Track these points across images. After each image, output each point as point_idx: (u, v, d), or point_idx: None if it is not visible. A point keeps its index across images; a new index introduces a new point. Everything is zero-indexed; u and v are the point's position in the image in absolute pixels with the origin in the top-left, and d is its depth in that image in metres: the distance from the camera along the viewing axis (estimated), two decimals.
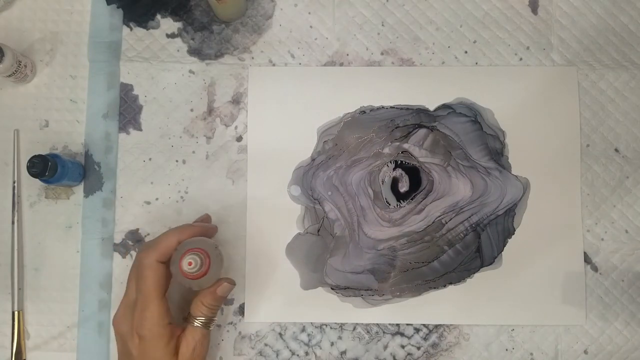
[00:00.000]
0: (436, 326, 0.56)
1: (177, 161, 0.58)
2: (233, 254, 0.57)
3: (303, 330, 0.56)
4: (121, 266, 0.57)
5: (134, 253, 0.57)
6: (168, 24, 0.59)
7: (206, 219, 0.55)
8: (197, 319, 0.49)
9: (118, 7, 0.59)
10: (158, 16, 0.59)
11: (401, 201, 0.57)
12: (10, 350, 0.55)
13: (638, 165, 0.58)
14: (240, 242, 0.57)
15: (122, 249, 0.57)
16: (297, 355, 0.56)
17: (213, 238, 0.53)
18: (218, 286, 0.49)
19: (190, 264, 0.45)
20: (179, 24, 0.59)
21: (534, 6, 0.59)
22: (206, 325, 0.49)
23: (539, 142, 0.58)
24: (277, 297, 0.56)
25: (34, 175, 0.51)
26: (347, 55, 0.59)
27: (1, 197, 0.57)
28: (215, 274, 0.48)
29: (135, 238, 0.57)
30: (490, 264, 0.57)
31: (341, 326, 0.56)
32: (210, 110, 0.58)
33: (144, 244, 0.48)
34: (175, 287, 0.51)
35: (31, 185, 0.57)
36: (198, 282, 0.47)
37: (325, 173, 0.57)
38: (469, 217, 0.57)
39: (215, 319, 0.50)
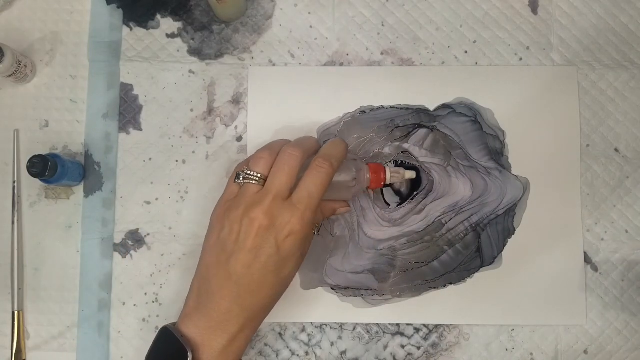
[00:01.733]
0: (436, 326, 0.56)
1: (177, 161, 0.58)
2: None
3: (303, 330, 0.56)
4: (121, 266, 0.57)
5: (134, 253, 0.57)
6: (168, 24, 0.59)
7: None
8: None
9: (118, 7, 0.59)
10: (158, 16, 0.59)
11: (401, 201, 0.57)
12: (10, 350, 0.55)
13: (638, 165, 0.58)
14: None
15: (122, 249, 0.57)
16: (297, 355, 0.56)
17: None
18: (341, 206, 0.54)
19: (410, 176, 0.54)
20: (179, 24, 0.59)
21: (534, 6, 0.59)
22: (315, 228, 0.52)
23: (539, 142, 0.58)
24: None
25: (34, 175, 0.51)
26: (347, 55, 0.59)
27: (1, 197, 0.57)
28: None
29: (135, 238, 0.57)
30: (490, 264, 0.57)
31: (341, 326, 0.56)
32: (210, 110, 0.58)
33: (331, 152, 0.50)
34: None
35: (31, 185, 0.57)
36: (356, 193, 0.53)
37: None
38: (469, 217, 0.57)
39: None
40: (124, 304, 0.56)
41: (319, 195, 0.47)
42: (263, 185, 0.47)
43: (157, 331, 0.47)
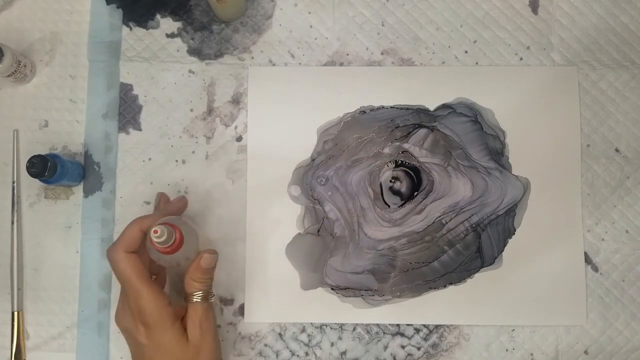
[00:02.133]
0: (436, 326, 0.56)
1: (177, 161, 0.58)
2: (233, 254, 0.57)
3: (303, 330, 0.56)
4: None
5: None
6: (168, 24, 0.59)
7: (163, 197, 0.55)
8: (193, 296, 0.49)
9: (118, 7, 0.59)
10: (158, 16, 0.59)
11: (401, 201, 0.57)
12: (10, 351, 0.55)
13: (638, 165, 0.58)
14: (240, 242, 0.57)
15: None
16: (297, 355, 0.56)
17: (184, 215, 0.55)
18: (200, 259, 0.49)
19: (156, 232, 0.44)
20: (178, 24, 0.59)
21: (534, 6, 0.59)
22: (204, 298, 0.49)
23: (540, 142, 0.58)
24: (277, 297, 0.56)
25: (33, 175, 0.51)
26: (347, 55, 0.59)
27: (1, 197, 0.57)
28: (193, 248, 0.49)
29: None
30: (491, 264, 0.57)
31: (341, 326, 0.56)
32: (210, 110, 0.58)
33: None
34: (170, 276, 0.53)
35: (31, 186, 0.57)
36: (176, 258, 0.47)
37: (325, 173, 0.57)
38: (469, 217, 0.57)
39: (212, 290, 0.50)
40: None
41: (130, 279, 0.47)
42: None
43: None
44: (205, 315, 0.48)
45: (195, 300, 0.48)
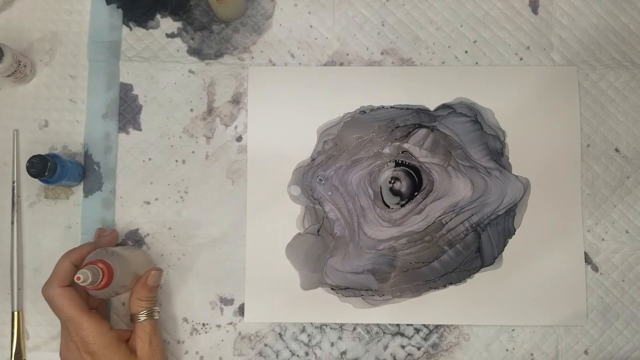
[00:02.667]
0: (436, 326, 0.56)
1: (176, 161, 0.58)
2: (233, 254, 0.57)
3: (303, 330, 0.56)
4: None
5: None
6: (168, 24, 0.59)
7: (101, 232, 0.56)
8: (140, 315, 0.51)
9: (118, 7, 0.59)
10: (158, 16, 0.59)
11: (401, 201, 0.57)
12: (10, 351, 0.55)
13: (638, 165, 0.58)
14: (240, 242, 0.57)
15: None
16: (297, 355, 0.56)
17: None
18: (147, 277, 0.51)
19: (79, 278, 0.45)
20: (178, 24, 0.59)
21: (534, 6, 0.59)
22: (150, 315, 0.51)
23: (540, 142, 0.58)
24: (277, 297, 0.56)
25: (33, 175, 0.51)
26: (347, 55, 0.59)
27: (1, 197, 0.57)
28: (127, 276, 0.50)
29: (134, 238, 0.57)
30: (491, 264, 0.57)
31: (341, 326, 0.56)
32: (210, 110, 0.58)
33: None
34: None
35: (31, 186, 0.57)
36: (113, 289, 0.48)
37: (325, 173, 0.57)
38: (469, 217, 0.57)
39: (156, 307, 0.52)
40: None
41: (68, 312, 0.48)
42: None
43: None
44: (153, 331, 0.51)
45: (142, 318, 0.51)
